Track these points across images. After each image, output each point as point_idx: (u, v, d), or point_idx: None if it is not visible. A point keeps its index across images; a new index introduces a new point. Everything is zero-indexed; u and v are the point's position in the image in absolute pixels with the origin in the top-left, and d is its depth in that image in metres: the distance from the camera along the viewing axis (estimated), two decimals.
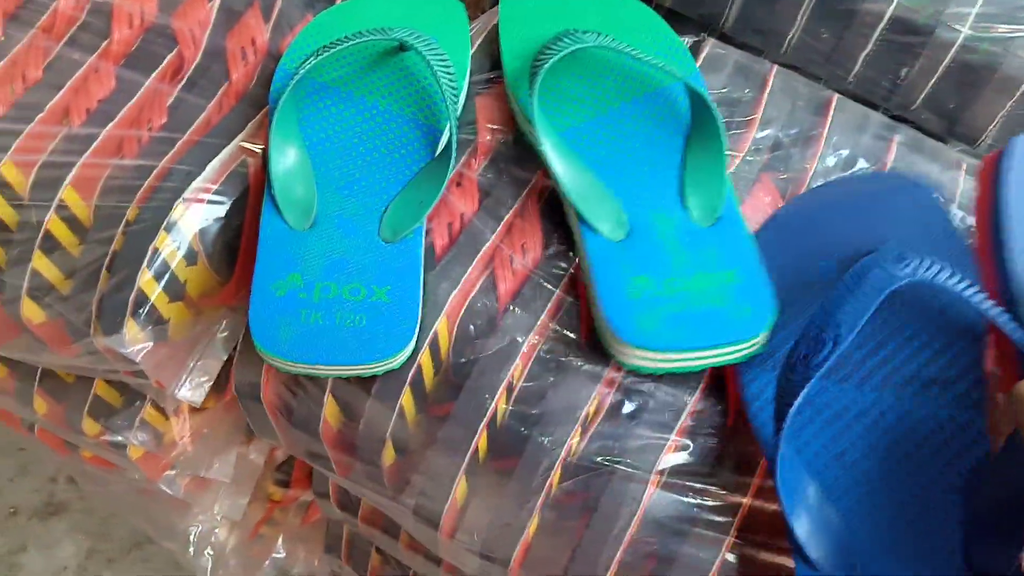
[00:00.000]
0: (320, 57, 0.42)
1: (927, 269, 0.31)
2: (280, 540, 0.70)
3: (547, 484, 0.38)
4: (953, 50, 0.44)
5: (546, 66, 0.40)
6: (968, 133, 0.47)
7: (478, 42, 0.49)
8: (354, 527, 0.57)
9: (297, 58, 0.45)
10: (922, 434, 0.34)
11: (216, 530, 0.66)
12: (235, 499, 0.63)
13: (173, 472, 0.59)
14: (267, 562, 0.70)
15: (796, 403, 0.31)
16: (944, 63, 0.45)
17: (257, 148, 0.45)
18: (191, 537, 0.65)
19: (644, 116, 0.43)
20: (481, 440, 0.39)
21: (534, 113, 0.40)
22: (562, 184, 0.40)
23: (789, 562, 0.34)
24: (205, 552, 0.67)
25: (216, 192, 0.44)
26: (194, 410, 0.56)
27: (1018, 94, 0.44)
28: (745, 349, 0.37)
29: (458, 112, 0.44)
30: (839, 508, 0.33)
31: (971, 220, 0.40)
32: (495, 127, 0.46)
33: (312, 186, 0.42)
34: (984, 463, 0.33)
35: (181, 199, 0.43)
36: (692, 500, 0.38)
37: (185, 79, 0.47)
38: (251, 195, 0.45)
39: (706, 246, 0.39)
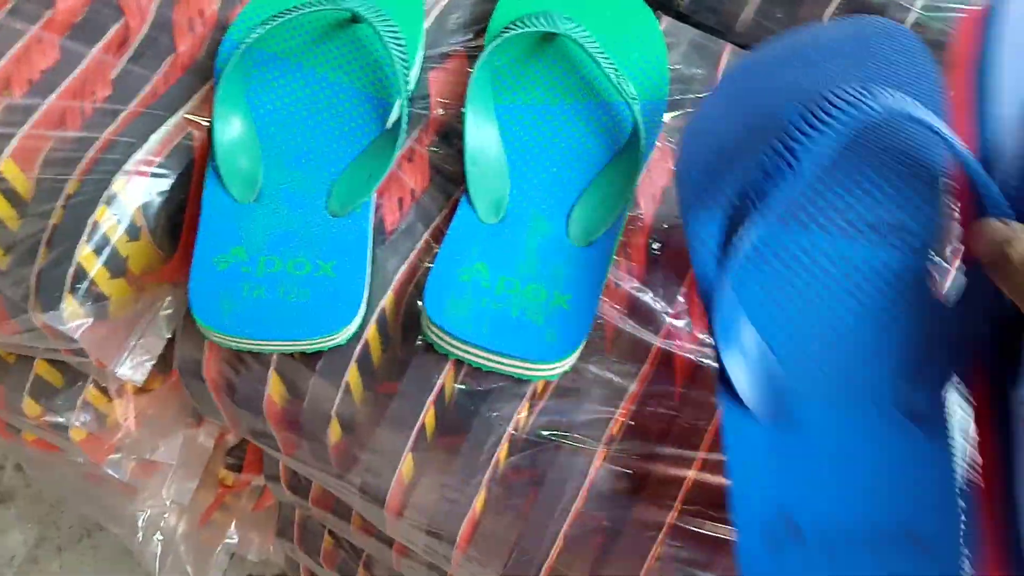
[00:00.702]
0: (268, 27, 0.41)
1: (899, 104, 0.28)
2: (232, 525, 0.69)
3: (493, 460, 0.38)
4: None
5: (504, 36, 0.40)
6: None
7: (432, 16, 0.48)
8: (306, 510, 0.56)
9: (245, 28, 0.44)
10: (853, 269, 0.33)
11: (165, 515, 0.65)
12: (183, 483, 0.62)
13: (118, 455, 0.57)
14: (219, 548, 0.69)
15: (748, 235, 0.30)
16: None
17: (203, 121, 0.44)
18: (139, 523, 0.64)
19: (586, 121, 0.43)
20: (428, 417, 0.39)
21: (474, 75, 0.40)
22: (465, 151, 0.40)
23: (733, 534, 0.34)
24: (154, 538, 0.66)
25: (160, 165, 0.43)
26: (139, 391, 0.55)
27: None
28: (533, 370, 0.37)
29: (410, 86, 0.44)
30: (774, 345, 0.33)
31: None
32: (448, 102, 0.45)
33: (258, 158, 0.41)
34: (924, 305, 0.33)
35: (122, 171, 0.42)
36: (638, 473, 0.38)
37: (131, 50, 0.46)
38: (196, 169, 0.43)
39: (560, 264, 0.39)
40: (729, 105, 0.36)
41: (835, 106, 0.28)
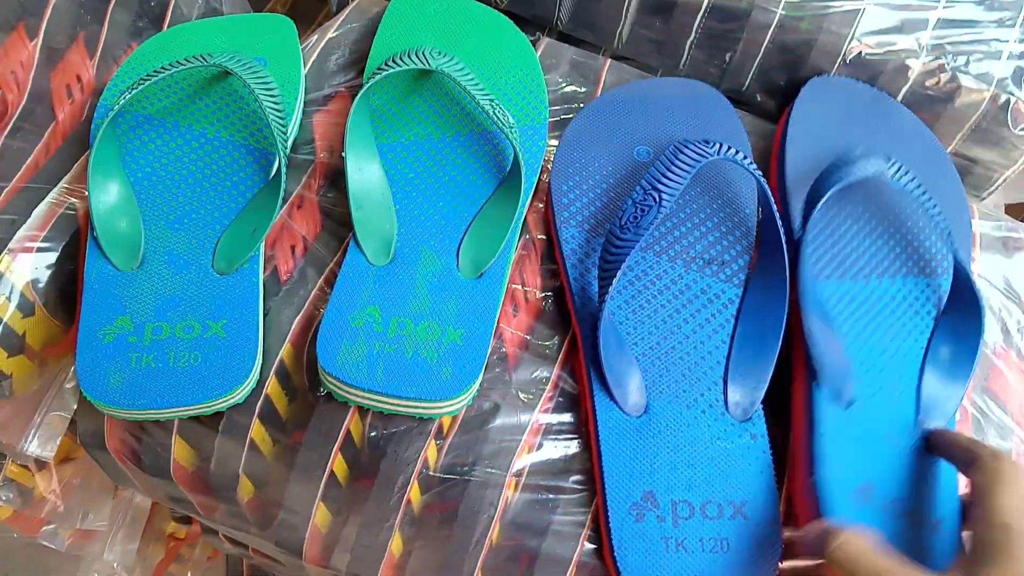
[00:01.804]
0: (136, 90, 0.40)
1: (728, 150, 0.38)
2: None
3: (404, 501, 0.38)
4: (771, 31, 0.45)
5: (378, 77, 0.40)
6: None
7: (312, 59, 0.48)
8: (251, 559, 0.56)
9: (117, 92, 0.44)
10: (695, 296, 0.40)
11: None
12: (125, 545, 0.61)
13: (51, 526, 0.57)
14: None
15: (626, 260, 0.37)
16: (764, 44, 0.46)
17: (84, 189, 0.43)
18: None
19: (470, 153, 0.43)
20: (337, 464, 0.39)
21: (351, 118, 0.40)
22: (349, 194, 0.40)
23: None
24: None
25: (44, 239, 0.42)
26: (62, 461, 0.54)
27: (835, 68, 0.46)
28: (432, 409, 0.37)
29: (288, 134, 0.44)
30: (634, 354, 0.39)
31: None
32: (333, 145, 0.45)
33: (138, 223, 0.41)
34: (738, 323, 0.40)
35: (6, 250, 0.41)
36: (548, 497, 0.38)
37: (10, 124, 0.45)
38: (82, 238, 0.43)
39: (452, 299, 0.39)
40: (592, 134, 0.44)
41: (685, 155, 0.37)
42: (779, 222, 0.38)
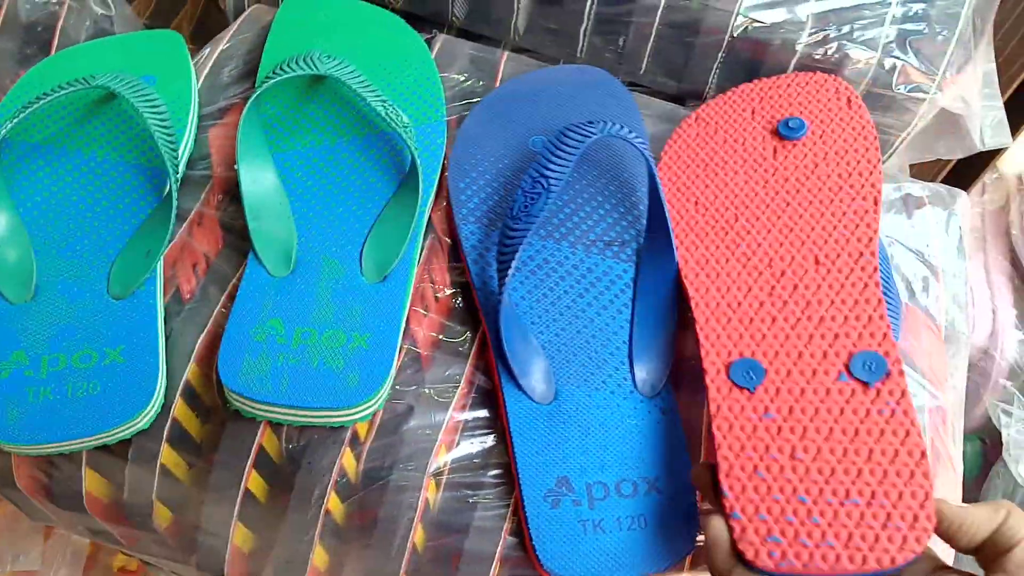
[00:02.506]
0: (16, 119, 0.39)
1: (612, 127, 0.38)
2: None
3: (323, 512, 0.38)
4: (659, 12, 0.46)
5: (265, 86, 0.40)
6: (695, 88, 0.49)
7: (204, 72, 0.47)
8: None
9: (3, 121, 0.43)
10: (597, 279, 0.41)
11: None
12: None
13: None
14: None
15: (520, 249, 0.36)
16: (654, 26, 0.46)
17: None
18: None
19: (367, 156, 0.43)
20: (252, 481, 0.38)
21: (241, 129, 0.40)
22: (245, 206, 0.40)
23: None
24: None
25: None
26: None
27: (724, 45, 0.46)
28: (342, 416, 0.37)
29: (181, 151, 0.43)
30: (540, 342, 0.39)
31: None
32: (231, 158, 0.44)
33: (29, 254, 0.40)
34: (636, 303, 0.40)
35: None
36: (468, 494, 0.38)
37: None
38: None
39: (356, 304, 0.39)
40: (487, 129, 0.44)
41: (568, 136, 0.37)
42: (663, 199, 0.39)
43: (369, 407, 0.37)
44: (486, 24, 0.50)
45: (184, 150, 0.44)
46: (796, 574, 0.30)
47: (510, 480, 0.38)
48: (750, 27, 0.45)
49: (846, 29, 0.45)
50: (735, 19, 0.45)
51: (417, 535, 0.37)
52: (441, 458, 0.38)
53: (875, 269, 0.36)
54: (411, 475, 0.38)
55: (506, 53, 0.48)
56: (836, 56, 0.45)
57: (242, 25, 0.50)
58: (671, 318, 0.39)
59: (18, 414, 0.36)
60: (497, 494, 0.38)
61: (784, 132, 0.40)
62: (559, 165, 0.37)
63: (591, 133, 0.37)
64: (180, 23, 0.71)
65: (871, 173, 0.38)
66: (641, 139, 0.39)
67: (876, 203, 0.38)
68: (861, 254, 0.36)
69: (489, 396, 0.39)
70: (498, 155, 0.43)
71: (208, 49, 0.49)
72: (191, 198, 0.43)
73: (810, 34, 0.45)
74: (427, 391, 0.39)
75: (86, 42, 0.50)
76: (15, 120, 0.39)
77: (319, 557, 0.38)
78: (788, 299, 0.37)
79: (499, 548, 0.37)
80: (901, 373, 0.33)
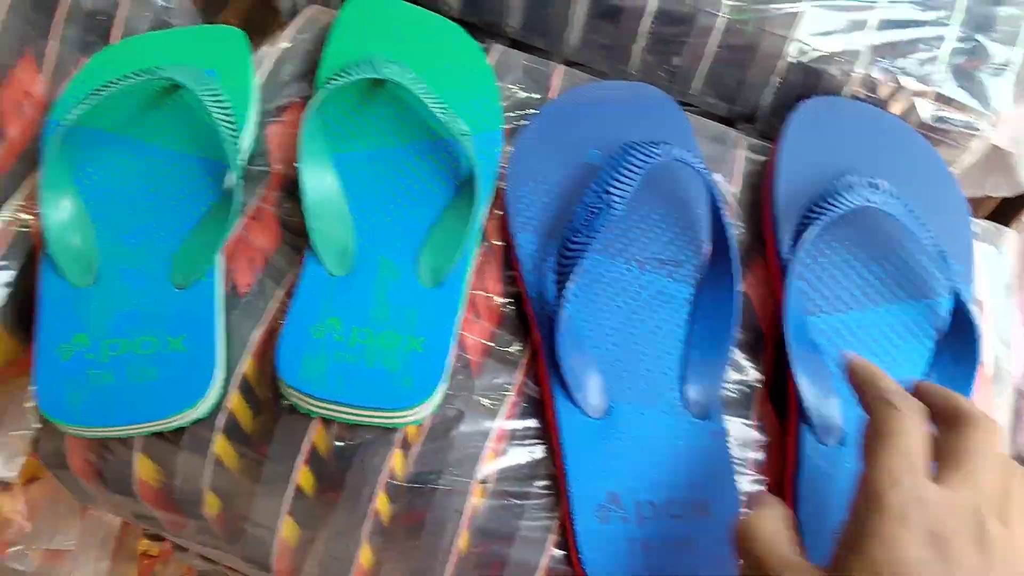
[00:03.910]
0: (87, 105, 0.40)
1: (677, 151, 0.38)
2: None
3: (371, 511, 0.38)
4: (715, 34, 0.46)
5: (331, 88, 0.40)
6: (746, 111, 0.50)
7: (265, 70, 0.48)
8: (224, 575, 0.56)
9: (67, 108, 0.44)
10: (652, 297, 0.41)
11: None
12: (97, 564, 0.60)
13: (19, 548, 0.56)
14: None
15: (581, 263, 0.37)
16: (709, 48, 0.47)
17: (32, 207, 0.43)
18: None
19: (426, 161, 0.43)
20: (303, 477, 0.39)
21: (303, 129, 0.40)
22: (305, 206, 0.40)
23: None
24: None
25: (1, 258, 0.42)
26: (27, 481, 0.53)
27: (778, 70, 0.47)
28: (395, 418, 0.37)
29: (240, 146, 0.44)
30: (594, 357, 0.39)
31: (735, 189, 0.46)
32: (289, 156, 0.45)
33: (92, 239, 0.40)
34: (693, 323, 0.41)
35: None
36: (515, 503, 0.38)
37: None
38: (37, 256, 0.43)
39: (412, 307, 0.39)
40: (545, 139, 0.44)
41: (633, 156, 0.38)
42: (728, 223, 0.39)
43: (423, 410, 0.38)
44: (540, 36, 0.50)
45: (244, 146, 0.44)
46: None
47: (556, 492, 0.39)
48: (806, 54, 0.46)
49: (901, 62, 0.45)
50: (790, 45, 0.46)
51: (462, 539, 0.38)
52: (489, 465, 0.39)
53: None
54: (459, 480, 0.38)
55: (559, 66, 0.49)
56: (890, 88, 0.46)
57: (301, 25, 0.50)
58: (727, 342, 0.39)
59: (78, 396, 0.37)
60: (543, 505, 0.39)
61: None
62: (623, 184, 0.37)
63: (655, 155, 0.38)
64: (227, 18, 0.72)
65: None
66: (704, 164, 0.39)
67: None
68: None
69: (538, 406, 0.40)
70: (555, 165, 0.43)
71: (267, 47, 0.49)
72: (248, 193, 0.44)
73: (865, 64, 0.46)
74: (477, 398, 0.40)
75: (148, 32, 0.50)
76: (86, 106, 0.40)
77: (365, 555, 0.39)
78: None
79: (545, 560, 0.38)
80: None
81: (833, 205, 0.39)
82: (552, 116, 0.45)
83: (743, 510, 0.38)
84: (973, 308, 0.39)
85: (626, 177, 0.37)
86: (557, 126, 0.44)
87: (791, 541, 0.30)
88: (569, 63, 0.51)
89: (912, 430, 0.28)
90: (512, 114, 0.47)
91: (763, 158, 0.47)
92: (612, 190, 0.37)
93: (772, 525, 0.30)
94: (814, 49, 0.46)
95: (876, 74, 0.46)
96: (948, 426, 0.29)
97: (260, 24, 0.71)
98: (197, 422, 0.38)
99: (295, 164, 0.45)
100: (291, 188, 0.44)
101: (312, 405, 0.37)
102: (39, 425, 0.45)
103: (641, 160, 0.38)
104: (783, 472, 0.40)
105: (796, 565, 0.28)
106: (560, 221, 0.41)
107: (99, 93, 0.40)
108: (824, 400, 0.38)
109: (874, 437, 0.28)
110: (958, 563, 0.25)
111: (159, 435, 0.39)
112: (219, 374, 0.38)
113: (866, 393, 0.31)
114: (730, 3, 0.45)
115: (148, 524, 0.44)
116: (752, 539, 0.30)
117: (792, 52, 0.46)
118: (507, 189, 0.43)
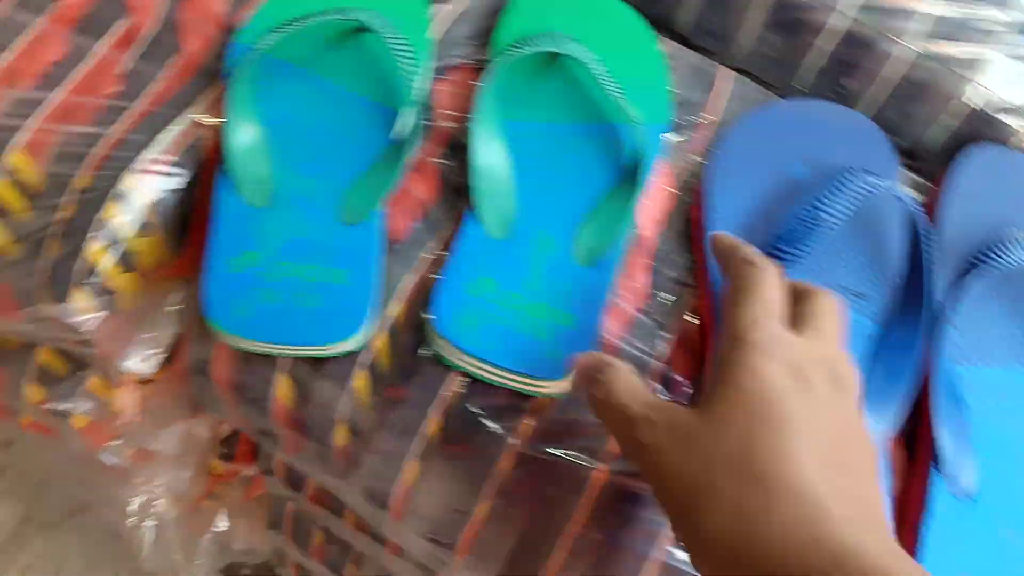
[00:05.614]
0: (279, 36, 0.41)
1: (897, 187, 0.39)
2: (222, 514, 0.70)
3: (496, 471, 0.39)
4: (892, 62, 0.46)
5: (513, 56, 0.41)
6: (904, 145, 0.49)
7: (438, 29, 0.49)
8: (299, 505, 0.57)
9: (255, 33, 0.45)
10: None
11: (157, 502, 0.65)
12: (179, 472, 0.63)
13: (117, 442, 0.58)
14: (207, 535, 0.70)
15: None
16: (884, 75, 0.46)
17: (211, 122, 0.45)
18: (130, 507, 0.65)
19: (591, 142, 0.44)
20: (432, 426, 0.40)
21: (482, 92, 0.41)
22: (474, 167, 0.41)
23: None
24: (144, 523, 0.66)
25: (173, 164, 0.43)
26: (141, 381, 0.55)
27: (950, 110, 0.46)
28: (536, 386, 0.38)
29: (418, 97, 0.45)
30: None
31: None
32: (453, 114, 0.46)
33: (269, 164, 0.42)
34: (876, 357, 0.41)
35: (132, 169, 0.42)
36: (635, 491, 0.39)
37: (139, 48, 0.47)
38: (205, 169, 0.44)
39: (566, 283, 0.40)
40: (747, 159, 0.45)
41: (852, 182, 0.39)
42: (932, 262, 0.39)
43: (562, 384, 0.39)
44: (710, 37, 0.50)
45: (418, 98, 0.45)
46: None
47: None
48: (985, 100, 0.45)
49: None
50: (969, 87, 0.45)
51: (581, 516, 0.39)
52: (616, 449, 0.39)
53: None
54: (586, 459, 0.39)
55: (723, 69, 0.49)
56: None
57: None
58: (906, 382, 0.39)
59: (243, 310, 0.38)
60: None
61: None
62: (840, 208, 0.38)
63: (879, 187, 0.38)
64: None
65: None
66: (916, 201, 0.39)
67: None
68: None
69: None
70: (760, 173, 0.43)
71: (445, 5, 0.50)
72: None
73: None
74: None
75: None
76: (278, 36, 0.41)
77: (481, 510, 0.40)
78: None
79: (654, 551, 0.38)
80: None
81: (1001, 256, 0.39)
82: (759, 124, 0.45)
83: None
84: None
85: (846, 201, 0.38)
86: (764, 135, 0.45)
87: (648, 388, 0.32)
88: (732, 68, 0.51)
89: (771, 282, 0.31)
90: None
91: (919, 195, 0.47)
92: (830, 210, 0.38)
93: (627, 377, 0.32)
94: (998, 96, 0.45)
95: None
96: (801, 297, 0.32)
97: None
98: (344, 355, 0.40)
99: (460, 124, 0.46)
100: (452, 145, 0.45)
101: (458, 358, 0.38)
102: (174, 329, 0.47)
103: (863, 188, 0.38)
104: (902, 514, 0.39)
105: (660, 405, 0.30)
106: (758, 226, 0.42)
107: (292, 25, 0.42)
108: (960, 451, 0.38)
109: (736, 291, 0.30)
110: (816, 394, 0.28)
111: (305, 360, 0.40)
112: (373, 313, 0.40)
113: (728, 258, 0.33)
114: (913, 31, 0.45)
115: (264, 439, 0.45)
116: (610, 393, 0.31)
117: (970, 95, 0.45)
118: (705, 185, 0.43)
